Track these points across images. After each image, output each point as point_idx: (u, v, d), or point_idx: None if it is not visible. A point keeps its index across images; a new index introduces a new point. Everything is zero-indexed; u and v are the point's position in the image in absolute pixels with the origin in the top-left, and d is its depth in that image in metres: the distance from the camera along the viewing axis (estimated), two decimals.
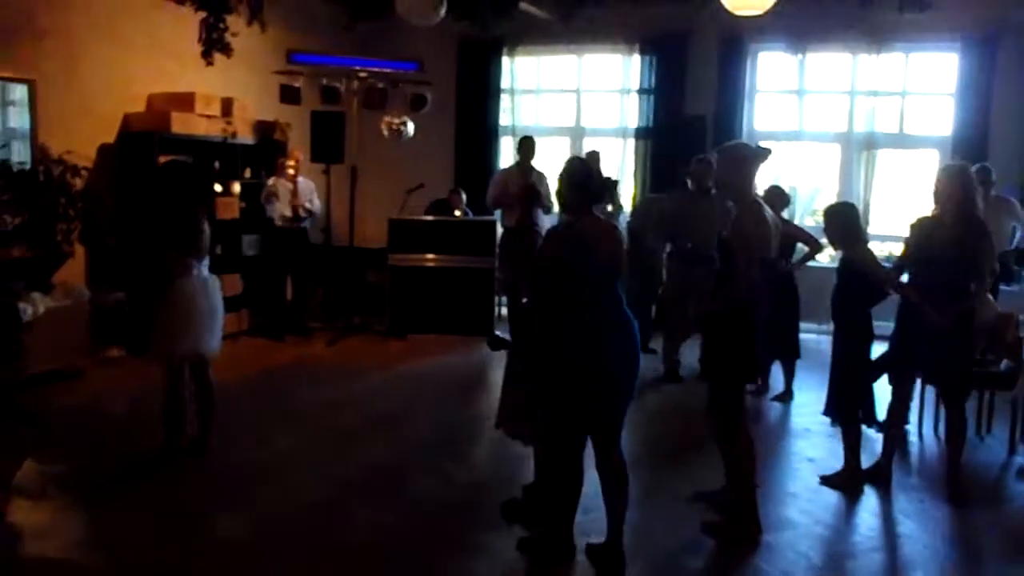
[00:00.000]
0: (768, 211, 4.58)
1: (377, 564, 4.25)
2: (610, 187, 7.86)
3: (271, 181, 9.13)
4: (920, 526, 4.87)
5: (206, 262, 5.52)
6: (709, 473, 5.00)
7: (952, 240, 5.03)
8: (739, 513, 4.60)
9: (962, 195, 5.08)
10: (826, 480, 5.38)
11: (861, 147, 9.98)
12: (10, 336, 5.97)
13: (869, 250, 5.39)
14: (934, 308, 5.05)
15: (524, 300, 4.60)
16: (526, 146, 9.26)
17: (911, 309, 5.30)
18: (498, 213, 9.37)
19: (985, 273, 5.19)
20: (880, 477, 5.39)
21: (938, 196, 5.22)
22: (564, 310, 3.99)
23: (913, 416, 6.41)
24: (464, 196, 10.04)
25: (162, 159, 8.15)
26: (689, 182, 7.78)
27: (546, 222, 9.13)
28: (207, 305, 5.45)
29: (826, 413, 5.44)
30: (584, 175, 4.16)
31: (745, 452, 4.62)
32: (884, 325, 5.44)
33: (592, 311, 3.97)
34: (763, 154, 4.58)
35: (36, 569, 4.12)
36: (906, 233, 5.47)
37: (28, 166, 7.42)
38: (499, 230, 9.33)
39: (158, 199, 5.37)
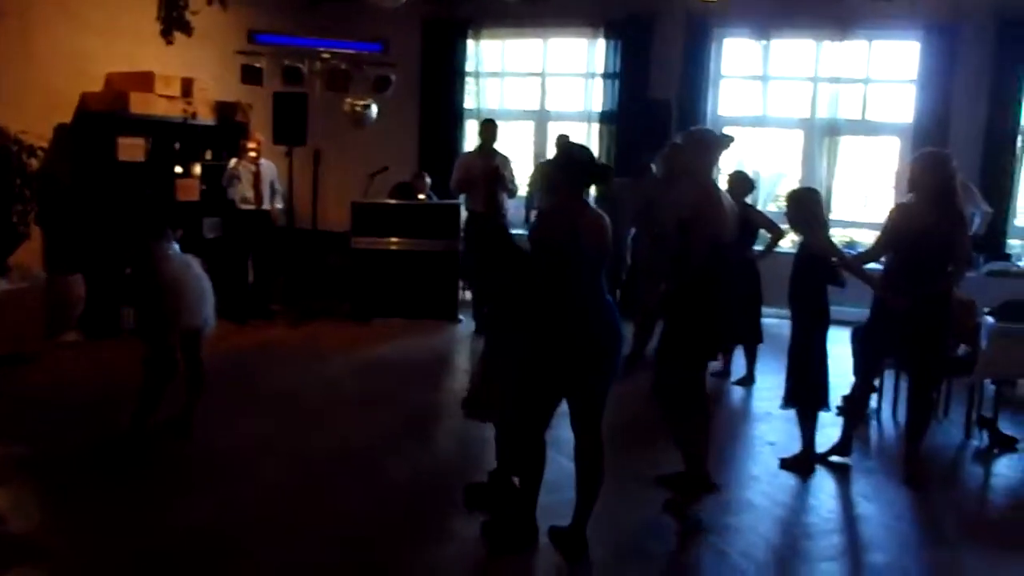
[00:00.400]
0: (725, 195, 4.65)
1: (344, 549, 4.22)
2: (608, 174, 7.87)
3: (233, 163, 9.02)
4: (879, 507, 4.93)
5: (175, 243, 5.48)
6: (671, 455, 5.02)
7: (929, 227, 5.08)
8: (691, 478, 4.75)
9: (939, 182, 5.13)
10: (785, 463, 5.43)
11: (824, 133, 10.06)
12: None
13: (828, 236, 5.44)
14: (910, 293, 5.10)
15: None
16: (487, 129, 9.23)
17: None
18: (463, 197, 9.33)
19: (961, 259, 5.25)
20: (839, 457, 5.48)
21: (913, 183, 5.28)
22: (553, 289, 3.98)
23: (872, 400, 6.50)
24: (428, 180, 9.99)
25: (121, 140, 8.06)
26: (654, 167, 7.79)
27: (510, 206, 9.18)
28: (195, 281, 5.44)
29: (785, 405, 5.47)
30: (586, 160, 4.13)
31: (698, 428, 4.78)
32: (848, 311, 5.50)
33: (580, 292, 3.98)
34: (726, 141, 4.65)
35: (9, 557, 4.06)
36: (868, 219, 5.57)
37: None
38: (463, 214, 9.31)
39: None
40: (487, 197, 8.81)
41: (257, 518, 4.49)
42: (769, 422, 6.37)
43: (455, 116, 11.22)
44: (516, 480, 4.53)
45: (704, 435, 4.83)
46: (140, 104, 8.21)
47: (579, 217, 3.99)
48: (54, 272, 7.68)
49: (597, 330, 4.00)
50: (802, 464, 5.37)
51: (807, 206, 5.31)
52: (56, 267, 7.75)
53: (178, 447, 5.40)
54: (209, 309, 5.51)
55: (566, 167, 4.13)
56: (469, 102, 11.25)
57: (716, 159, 4.62)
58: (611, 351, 4.07)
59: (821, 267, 5.22)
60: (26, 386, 6.48)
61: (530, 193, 9.98)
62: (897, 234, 5.29)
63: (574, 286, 3.98)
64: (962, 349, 6.28)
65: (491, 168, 8.76)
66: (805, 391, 5.32)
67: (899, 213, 5.41)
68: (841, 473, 5.38)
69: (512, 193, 9.12)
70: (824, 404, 5.40)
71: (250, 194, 9.02)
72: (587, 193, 4.19)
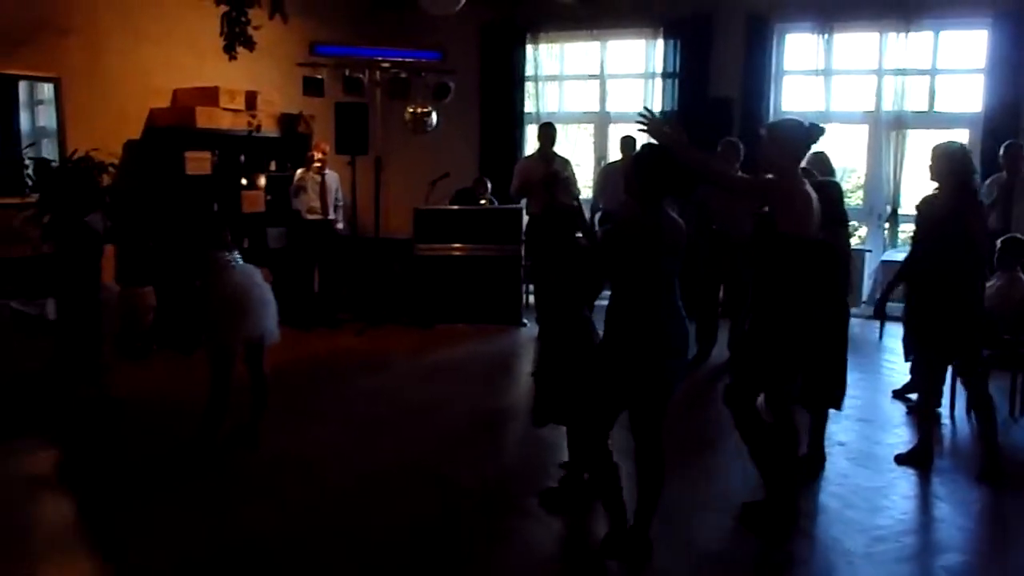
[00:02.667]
0: (812, 193, 4.34)
1: (410, 555, 4.26)
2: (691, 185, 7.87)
3: (299, 173, 9.15)
4: (953, 508, 4.81)
5: (237, 254, 5.57)
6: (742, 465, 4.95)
7: (947, 217, 5.04)
8: (775, 503, 4.48)
9: (956, 171, 5.10)
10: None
11: (890, 127, 9.85)
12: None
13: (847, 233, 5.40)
14: (938, 285, 5.05)
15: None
16: (546, 133, 9.24)
17: (917, 290, 5.33)
18: (524, 201, 9.34)
19: (980, 248, 5.14)
20: (919, 460, 5.36)
21: (933, 173, 5.22)
22: (626, 294, 3.97)
23: (945, 399, 6.36)
24: (489, 184, 10.01)
25: (188, 155, 8.23)
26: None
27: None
28: (258, 291, 5.51)
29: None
30: (671, 166, 3.99)
31: (786, 444, 4.50)
32: None
33: (655, 297, 3.94)
34: (816, 132, 4.33)
35: (77, 560, 4.17)
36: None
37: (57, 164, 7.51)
38: (525, 218, 9.31)
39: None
40: (545, 201, 8.80)
41: (323, 525, 4.54)
42: (837, 422, 6.24)
43: (515, 121, 11.24)
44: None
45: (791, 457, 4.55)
46: (206, 118, 8.39)
47: (660, 224, 3.94)
48: (126, 285, 7.87)
49: (670, 333, 3.96)
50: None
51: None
52: (128, 280, 7.94)
53: (245, 455, 5.49)
54: (271, 320, 5.58)
55: (650, 173, 4.00)
56: (529, 106, 11.27)
57: (803, 152, 4.37)
58: (681, 355, 4.05)
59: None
60: (100, 396, 6.65)
61: (594, 196, 9.97)
62: (922, 226, 5.24)
63: (651, 291, 3.94)
64: None
65: (550, 172, 8.74)
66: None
67: (924, 205, 5.46)
68: (914, 474, 5.25)
69: (573, 196, 9.09)
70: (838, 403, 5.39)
71: (316, 204, 9.14)
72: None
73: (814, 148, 4.49)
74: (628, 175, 4.09)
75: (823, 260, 4.47)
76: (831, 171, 7.16)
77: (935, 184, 5.29)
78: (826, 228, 4.75)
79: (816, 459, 5.33)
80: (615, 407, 4.07)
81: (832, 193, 5.14)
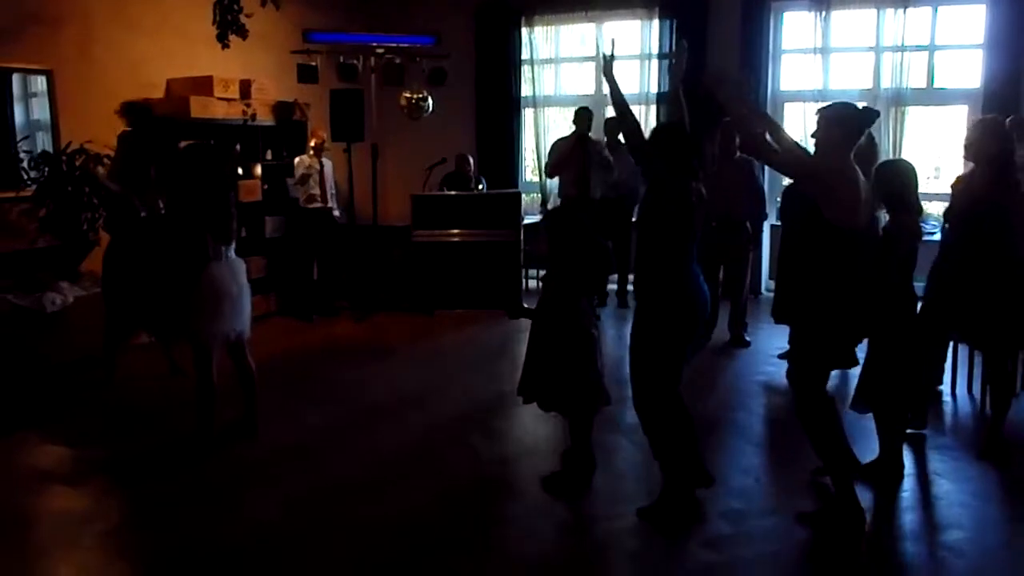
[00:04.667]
0: (862, 180, 4.14)
1: (411, 540, 4.25)
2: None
3: (306, 161, 9.10)
4: (955, 486, 4.80)
5: (233, 245, 5.54)
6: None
7: (984, 195, 4.94)
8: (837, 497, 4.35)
9: (996, 149, 4.98)
10: None
11: (889, 104, 9.76)
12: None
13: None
14: (972, 262, 4.96)
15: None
16: (581, 117, 9.31)
17: (946, 268, 5.22)
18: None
19: (1016, 227, 5.07)
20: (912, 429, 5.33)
21: (968, 150, 5.13)
22: (666, 260, 4.22)
23: (946, 376, 6.34)
24: (472, 161, 9.98)
25: (183, 144, 8.19)
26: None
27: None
28: (236, 287, 5.47)
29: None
30: (688, 136, 4.32)
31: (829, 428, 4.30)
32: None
33: (688, 262, 4.24)
34: (871, 116, 4.12)
35: (81, 552, 4.17)
36: (938, 191, 5.42)
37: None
38: (523, 200, 9.31)
39: (187, 183, 5.37)
40: (578, 180, 8.94)
41: (324, 512, 4.54)
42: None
43: (511, 104, 11.18)
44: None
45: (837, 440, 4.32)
46: (200, 108, 8.34)
47: (691, 191, 4.16)
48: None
49: (700, 298, 4.28)
50: None
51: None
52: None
53: (246, 444, 5.48)
54: (243, 318, 5.51)
55: (676, 144, 4.23)
56: (525, 90, 11.20)
57: (857, 137, 4.12)
58: (703, 316, 4.37)
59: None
60: (100, 390, 6.64)
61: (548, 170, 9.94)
62: (956, 204, 5.16)
63: (687, 257, 4.21)
64: None
65: (583, 153, 9.03)
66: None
67: (960, 183, 5.34)
68: (915, 451, 5.23)
69: (610, 174, 9.15)
70: None
71: (316, 192, 9.10)
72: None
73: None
74: (654, 149, 4.24)
75: (870, 252, 4.35)
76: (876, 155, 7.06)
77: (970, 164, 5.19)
78: (894, 212, 4.67)
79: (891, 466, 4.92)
80: (679, 362, 4.30)
81: (902, 177, 4.72)
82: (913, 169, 4.76)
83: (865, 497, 4.48)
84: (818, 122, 4.20)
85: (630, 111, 4.39)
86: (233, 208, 5.48)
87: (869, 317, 4.35)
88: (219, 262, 5.36)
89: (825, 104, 4.31)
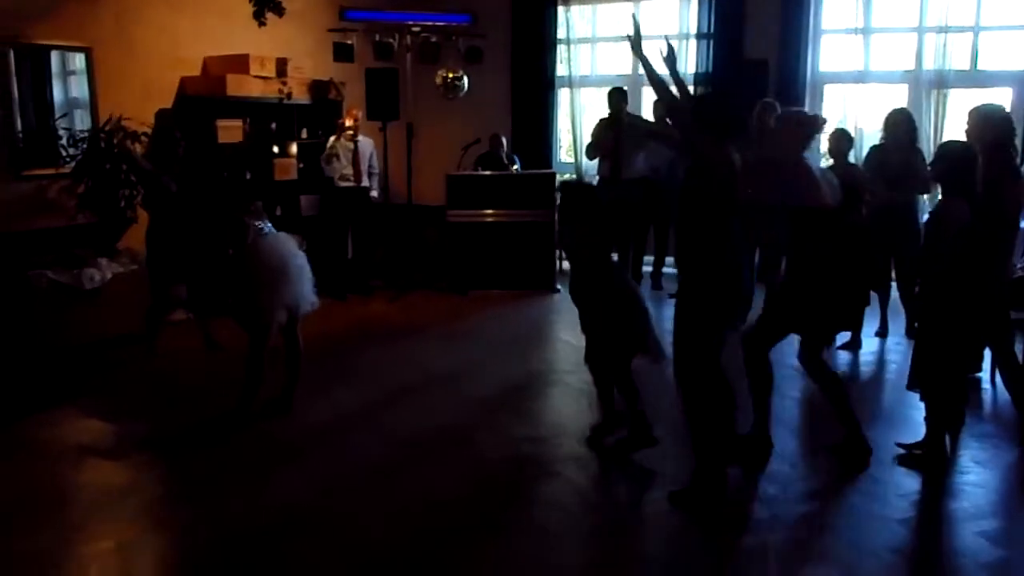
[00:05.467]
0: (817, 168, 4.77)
1: (442, 521, 4.26)
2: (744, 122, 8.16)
3: (331, 141, 9.10)
4: (992, 474, 4.75)
5: (268, 222, 5.57)
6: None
7: (982, 180, 4.83)
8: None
9: (991, 136, 4.92)
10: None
11: (931, 86, 9.60)
12: None
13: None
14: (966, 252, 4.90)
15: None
16: (614, 97, 9.24)
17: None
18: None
19: (1008, 213, 4.98)
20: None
21: (969, 136, 5.08)
22: (712, 237, 4.24)
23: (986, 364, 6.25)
24: (504, 141, 9.96)
25: (220, 123, 8.25)
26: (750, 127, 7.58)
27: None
28: (296, 259, 5.52)
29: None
30: (730, 109, 4.43)
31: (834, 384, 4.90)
32: None
33: (731, 238, 4.27)
34: (820, 122, 4.94)
35: (119, 525, 4.23)
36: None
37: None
38: (557, 180, 9.27)
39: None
40: (611, 162, 8.90)
41: (355, 493, 4.56)
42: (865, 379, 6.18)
43: (547, 84, 11.11)
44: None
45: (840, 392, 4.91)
46: (236, 86, 8.38)
47: (733, 162, 4.21)
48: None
49: (742, 273, 4.35)
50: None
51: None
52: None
53: (278, 423, 5.52)
54: (307, 288, 5.59)
55: (714, 117, 4.25)
56: (561, 70, 11.12)
57: (807, 141, 4.85)
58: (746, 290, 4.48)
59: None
60: (138, 365, 6.72)
61: (589, 153, 9.86)
62: None
63: (729, 230, 4.24)
64: None
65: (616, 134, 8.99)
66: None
67: None
68: (952, 438, 5.16)
69: (647, 146, 9.08)
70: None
71: (349, 171, 9.11)
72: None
73: (837, 125, 4.67)
74: (690, 124, 4.27)
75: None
76: (851, 143, 7.14)
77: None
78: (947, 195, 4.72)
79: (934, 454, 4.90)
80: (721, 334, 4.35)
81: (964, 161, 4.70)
82: (976, 155, 4.71)
83: (909, 485, 4.46)
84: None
85: (666, 87, 4.41)
86: (252, 184, 5.51)
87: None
88: (262, 238, 5.40)
89: (779, 114, 4.87)
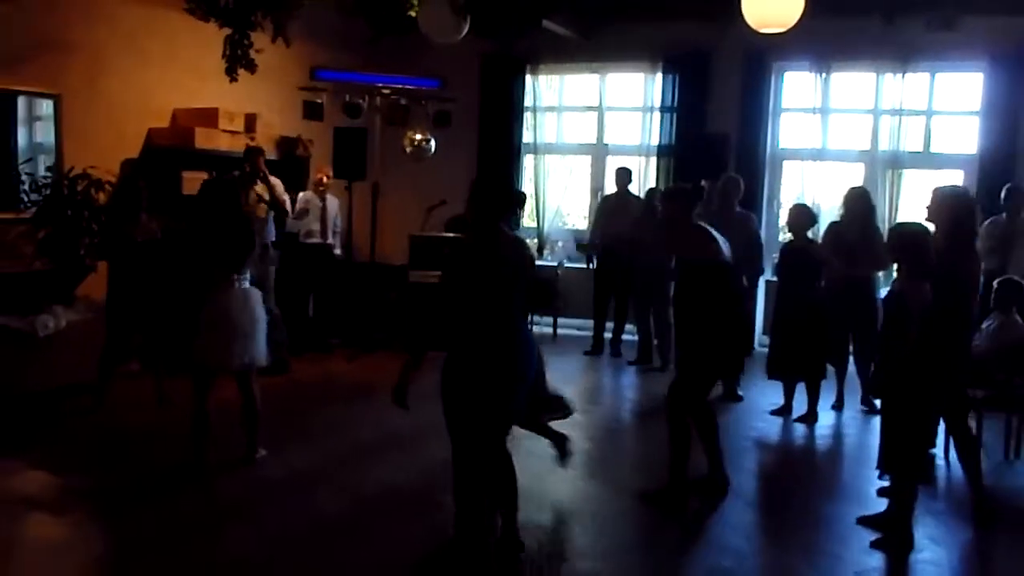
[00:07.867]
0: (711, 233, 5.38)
1: None
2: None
3: (306, 196, 9.12)
4: (947, 552, 4.78)
5: (247, 275, 5.56)
6: None
7: (940, 258, 4.92)
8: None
9: (951, 216, 4.99)
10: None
11: (886, 166, 9.88)
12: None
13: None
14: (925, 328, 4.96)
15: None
16: (620, 176, 9.58)
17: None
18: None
19: (968, 294, 5.06)
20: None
21: (930, 214, 5.16)
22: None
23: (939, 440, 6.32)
24: None
25: (185, 175, 8.22)
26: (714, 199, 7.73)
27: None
28: (248, 316, 5.50)
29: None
30: (515, 192, 5.01)
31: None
32: None
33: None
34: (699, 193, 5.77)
35: None
36: None
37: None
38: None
39: (208, 215, 5.48)
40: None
41: (307, 551, 4.50)
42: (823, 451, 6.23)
43: (513, 150, 11.26)
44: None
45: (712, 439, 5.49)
46: (205, 139, 8.39)
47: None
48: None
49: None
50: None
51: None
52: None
53: (230, 480, 5.43)
54: (257, 346, 5.56)
55: (493, 199, 4.61)
56: (527, 136, 11.29)
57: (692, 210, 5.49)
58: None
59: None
60: (88, 416, 6.59)
61: (592, 228, 10.00)
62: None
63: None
64: None
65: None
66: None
67: None
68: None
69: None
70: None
71: (316, 227, 9.11)
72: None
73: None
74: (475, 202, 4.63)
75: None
76: (814, 219, 7.33)
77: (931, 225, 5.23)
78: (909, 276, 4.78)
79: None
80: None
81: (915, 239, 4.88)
82: (929, 235, 4.85)
83: (866, 561, 4.49)
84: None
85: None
86: (256, 238, 5.59)
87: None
88: (229, 291, 5.39)
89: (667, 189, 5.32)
